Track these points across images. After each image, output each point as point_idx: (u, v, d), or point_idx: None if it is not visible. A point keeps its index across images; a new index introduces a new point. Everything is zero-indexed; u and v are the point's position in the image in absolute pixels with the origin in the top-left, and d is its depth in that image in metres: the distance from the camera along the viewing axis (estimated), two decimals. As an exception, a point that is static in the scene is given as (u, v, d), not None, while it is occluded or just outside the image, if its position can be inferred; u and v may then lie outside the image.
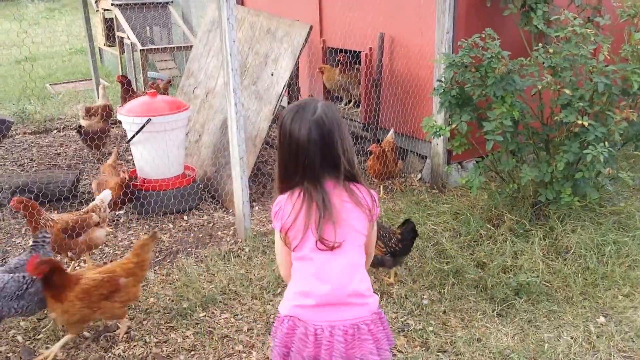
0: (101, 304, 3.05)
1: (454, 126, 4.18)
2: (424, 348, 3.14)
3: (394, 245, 3.56)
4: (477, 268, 3.84)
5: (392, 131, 5.10)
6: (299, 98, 6.16)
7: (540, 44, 4.10)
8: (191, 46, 8.43)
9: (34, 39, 13.83)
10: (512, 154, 4.18)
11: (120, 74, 6.35)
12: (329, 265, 1.92)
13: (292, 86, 5.78)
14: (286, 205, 1.92)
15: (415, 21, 5.08)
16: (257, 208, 4.90)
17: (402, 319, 3.37)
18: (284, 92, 4.80)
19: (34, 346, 3.18)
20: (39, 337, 3.27)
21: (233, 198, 4.30)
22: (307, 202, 1.88)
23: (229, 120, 4.02)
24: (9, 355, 3.11)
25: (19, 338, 3.25)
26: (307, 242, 1.91)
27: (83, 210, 4.02)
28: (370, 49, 5.41)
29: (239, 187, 4.14)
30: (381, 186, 5.16)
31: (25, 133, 7.13)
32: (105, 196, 4.16)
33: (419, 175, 5.44)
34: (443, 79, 4.25)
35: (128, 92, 6.60)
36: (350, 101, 6.07)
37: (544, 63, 3.89)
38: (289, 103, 5.19)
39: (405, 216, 4.50)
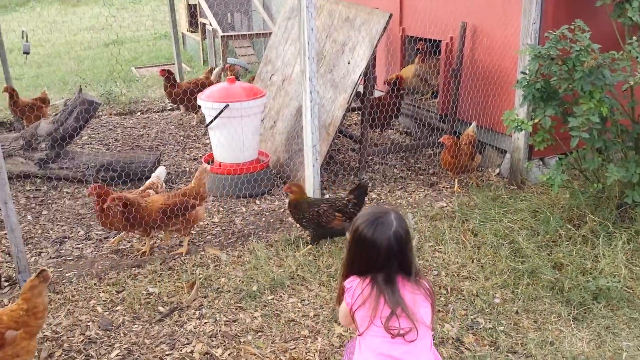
0: None
1: (536, 120, 4.02)
2: (493, 347, 3.06)
3: (351, 210, 3.99)
4: (554, 269, 3.68)
5: (473, 124, 4.96)
6: (375, 87, 6.11)
7: (634, 37, 3.85)
8: (270, 33, 8.55)
9: (121, 24, 14.50)
10: (598, 152, 3.96)
11: (167, 69, 6.52)
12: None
13: (368, 75, 5.73)
14: (357, 288, 2.12)
15: (499, 10, 4.89)
16: (327, 196, 4.91)
17: (472, 317, 3.29)
18: (359, 80, 4.77)
19: (111, 317, 3.35)
20: (117, 308, 3.43)
21: (304, 185, 4.34)
22: (375, 293, 2.07)
23: (304, 108, 4.04)
24: (88, 324, 3.30)
25: (99, 308, 3.43)
26: (374, 334, 2.06)
27: (140, 188, 4.23)
28: (452, 38, 5.28)
29: (310, 174, 4.16)
30: (456, 180, 5.04)
31: (110, 114, 7.48)
32: (160, 173, 4.34)
33: (497, 170, 5.27)
34: (527, 71, 4.08)
35: (172, 85, 6.75)
36: (427, 92, 5.95)
37: (637, 57, 3.65)
38: (364, 91, 5.15)
39: (480, 212, 4.39)
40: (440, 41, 5.41)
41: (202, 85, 6.63)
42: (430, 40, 5.51)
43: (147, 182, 4.29)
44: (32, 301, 2.62)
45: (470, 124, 5.03)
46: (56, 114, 5.39)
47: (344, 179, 5.26)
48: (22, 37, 7.45)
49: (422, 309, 2.09)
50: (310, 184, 4.19)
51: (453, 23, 5.29)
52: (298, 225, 4.17)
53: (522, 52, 4.44)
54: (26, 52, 6.44)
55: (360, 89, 5.13)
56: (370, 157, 5.48)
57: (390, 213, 2.14)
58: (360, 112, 5.52)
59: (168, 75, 6.69)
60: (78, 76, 9.28)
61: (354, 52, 4.88)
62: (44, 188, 5.16)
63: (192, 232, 4.25)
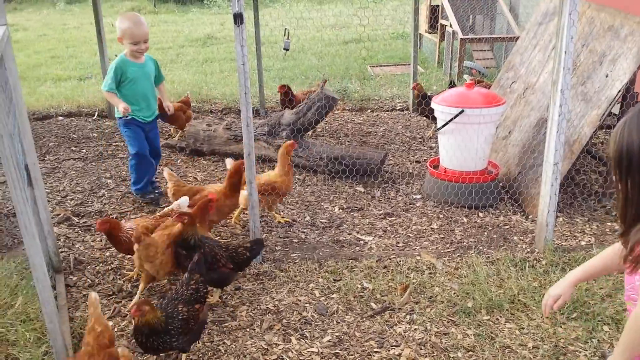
0: None
1: None
2: None
3: (242, 258, 3.53)
4: None
5: None
6: (630, 106, 5.39)
7: None
8: (513, 37, 8.13)
9: (361, 22, 15.11)
10: None
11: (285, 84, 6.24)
12: None
13: (629, 92, 5.09)
14: None
15: None
16: (561, 219, 4.48)
17: None
18: (617, 97, 4.24)
19: (327, 303, 3.48)
20: (333, 296, 3.55)
21: (537, 204, 4.01)
22: None
23: (549, 122, 3.72)
24: (306, 305, 3.46)
25: (316, 292, 3.59)
26: None
27: (158, 213, 3.94)
28: None
29: (547, 193, 3.83)
30: None
31: (343, 109, 7.83)
32: (182, 202, 3.90)
33: None
34: None
35: (290, 100, 6.62)
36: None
37: None
38: (620, 112, 4.57)
39: None
40: None
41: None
42: None
43: (167, 209, 3.94)
44: None
45: None
46: (299, 106, 5.78)
47: (583, 203, 4.75)
48: (284, 35, 8.13)
49: None
50: (546, 203, 3.85)
51: None
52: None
53: None
54: (286, 49, 7.01)
55: (616, 108, 4.57)
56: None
57: None
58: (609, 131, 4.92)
59: (287, 90, 6.70)
60: (318, 71, 9.89)
61: (615, 64, 4.35)
62: (279, 171, 5.59)
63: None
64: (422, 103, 6.22)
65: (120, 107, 4.58)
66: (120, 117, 4.71)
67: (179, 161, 5.99)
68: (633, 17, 4.46)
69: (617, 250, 1.85)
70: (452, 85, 6.40)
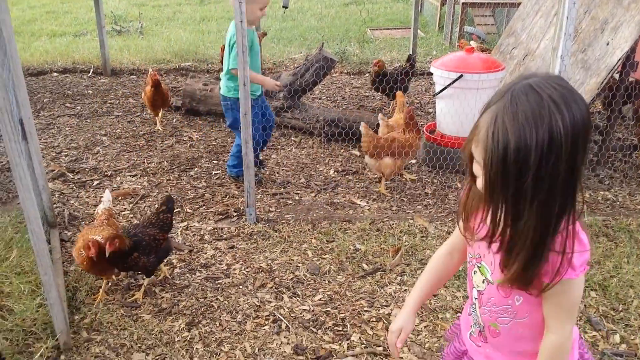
0: None
1: None
2: None
3: (168, 221, 3.36)
4: None
5: None
6: (632, 74, 5.36)
7: None
8: (515, 3, 8.01)
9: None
10: None
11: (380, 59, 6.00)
12: None
13: (629, 60, 5.05)
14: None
15: None
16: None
17: None
18: (617, 65, 4.21)
19: (319, 263, 3.51)
20: (325, 256, 3.58)
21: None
22: None
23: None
24: (299, 265, 3.50)
25: (309, 253, 3.62)
26: None
27: (99, 219, 3.34)
28: None
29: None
30: None
31: (342, 72, 7.76)
32: (105, 199, 3.47)
33: None
34: None
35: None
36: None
37: None
38: (619, 79, 4.55)
39: None
40: None
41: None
42: None
43: (102, 210, 3.39)
44: None
45: None
46: (297, 67, 5.72)
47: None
48: None
49: None
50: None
51: None
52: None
53: None
54: (285, 6, 6.86)
55: (616, 75, 4.54)
56: (612, 152, 4.87)
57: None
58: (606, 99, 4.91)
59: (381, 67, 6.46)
60: (317, 33, 9.76)
61: (617, 32, 4.31)
62: (275, 134, 5.57)
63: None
64: (381, 81, 5.96)
65: (270, 84, 4.19)
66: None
67: (174, 120, 5.96)
68: (638, -16, 4.39)
69: (445, 259, 1.80)
70: (410, 58, 6.21)
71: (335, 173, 4.83)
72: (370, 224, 3.96)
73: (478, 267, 1.60)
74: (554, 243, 1.34)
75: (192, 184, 4.58)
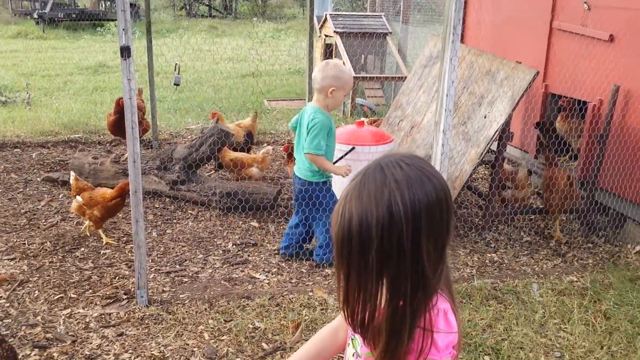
0: None
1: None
2: None
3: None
4: None
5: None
6: (506, 145, 5.80)
7: None
8: (402, 77, 8.52)
9: (260, 57, 15.24)
10: None
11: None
12: None
13: (505, 132, 5.48)
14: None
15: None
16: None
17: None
18: (495, 136, 4.54)
19: (216, 346, 3.36)
20: (223, 338, 3.44)
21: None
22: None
23: (433, 160, 3.89)
24: (194, 349, 3.32)
25: (206, 335, 3.46)
26: None
27: None
28: (600, 100, 4.90)
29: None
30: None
31: (239, 143, 7.76)
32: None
33: (638, 248, 4.75)
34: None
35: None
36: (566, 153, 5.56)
37: None
38: (498, 148, 4.89)
39: (615, 293, 3.96)
40: (586, 102, 5.05)
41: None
42: (574, 100, 5.16)
43: None
44: None
45: (613, 193, 4.60)
46: (193, 140, 5.66)
47: (465, 236, 4.99)
48: (175, 70, 8.01)
49: None
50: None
51: (603, 85, 4.91)
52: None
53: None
54: (176, 84, 6.89)
55: (494, 145, 4.89)
56: (496, 217, 5.17)
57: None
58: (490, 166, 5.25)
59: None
60: (215, 104, 9.79)
61: (493, 106, 4.67)
62: (171, 207, 5.41)
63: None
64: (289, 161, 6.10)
65: (342, 171, 4.14)
66: (324, 181, 4.22)
67: (61, 196, 5.62)
68: (508, 63, 4.83)
69: (329, 335, 1.75)
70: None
71: (234, 246, 4.72)
72: (269, 299, 3.87)
73: (352, 339, 1.58)
74: (420, 320, 1.33)
75: (78, 265, 4.28)
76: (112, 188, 4.74)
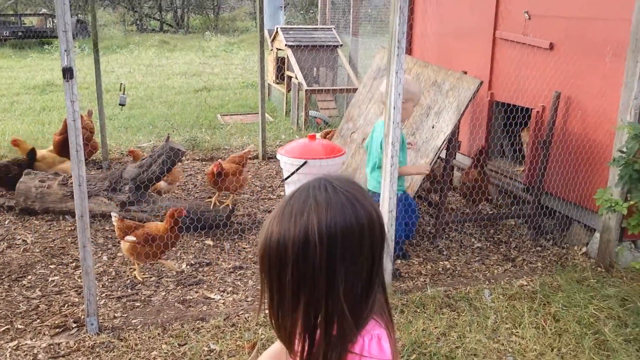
0: None
1: (632, 203, 3.71)
2: None
3: None
4: (649, 372, 3.31)
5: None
6: (455, 153, 5.93)
7: None
8: (353, 89, 8.61)
9: (213, 70, 15.12)
10: None
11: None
12: None
13: (453, 141, 5.58)
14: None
15: (597, 82, 4.65)
16: (398, 261, 4.73)
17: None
18: (443, 146, 4.63)
19: (172, 371, 3.29)
20: (178, 363, 3.37)
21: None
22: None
23: (383, 172, 3.94)
24: (149, 375, 3.25)
25: (160, 360, 3.39)
26: None
27: None
28: (543, 107, 5.06)
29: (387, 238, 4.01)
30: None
31: (193, 159, 7.69)
32: None
33: (584, 249, 4.91)
34: (625, 150, 3.81)
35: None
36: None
37: None
38: (446, 157, 4.99)
39: (564, 295, 4.08)
40: (530, 109, 5.21)
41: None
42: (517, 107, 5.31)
43: None
44: None
45: (558, 197, 4.75)
46: (143, 159, 5.57)
47: (417, 245, 5.06)
48: (120, 90, 7.86)
49: None
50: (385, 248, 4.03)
51: (545, 92, 5.08)
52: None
53: (620, 128, 4.17)
54: (122, 104, 6.78)
55: (443, 154, 4.98)
56: (447, 224, 5.26)
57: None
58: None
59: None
60: (167, 120, 9.66)
61: (440, 116, 4.77)
62: (122, 229, 5.29)
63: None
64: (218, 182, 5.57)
65: (424, 169, 4.40)
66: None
67: (6, 222, 5.44)
68: (453, 73, 4.94)
69: (279, 352, 1.69)
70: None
71: (188, 266, 4.66)
72: (225, 319, 3.82)
73: None
74: (353, 345, 1.32)
75: (25, 294, 4.14)
76: (68, 212, 4.54)
